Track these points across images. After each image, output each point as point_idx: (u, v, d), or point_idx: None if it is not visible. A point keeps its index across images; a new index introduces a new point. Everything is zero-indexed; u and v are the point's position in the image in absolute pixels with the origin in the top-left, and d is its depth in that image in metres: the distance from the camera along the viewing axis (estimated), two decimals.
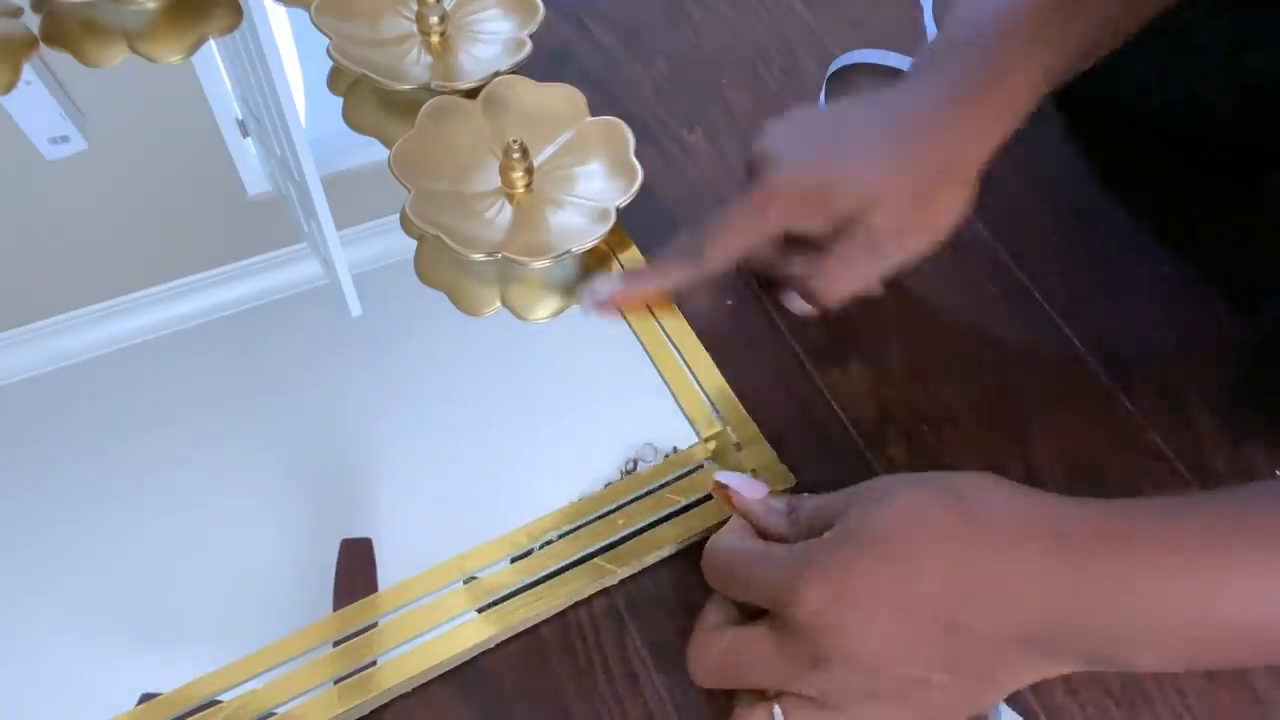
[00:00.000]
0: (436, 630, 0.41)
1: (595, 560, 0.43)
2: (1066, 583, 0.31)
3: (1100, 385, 0.51)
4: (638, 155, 0.51)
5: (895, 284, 0.54)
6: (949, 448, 0.48)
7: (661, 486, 0.45)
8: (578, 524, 0.44)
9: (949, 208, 0.46)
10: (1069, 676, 0.42)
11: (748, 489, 0.41)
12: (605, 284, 0.47)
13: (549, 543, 0.43)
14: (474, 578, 0.42)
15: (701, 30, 0.66)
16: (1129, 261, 0.56)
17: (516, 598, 0.42)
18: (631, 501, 0.45)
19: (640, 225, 0.54)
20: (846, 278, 0.46)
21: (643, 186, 0.50)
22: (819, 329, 0.52)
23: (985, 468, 0.47)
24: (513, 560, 0.42)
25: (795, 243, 0.48)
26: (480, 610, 0.41)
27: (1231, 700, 0.42)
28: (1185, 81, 0.55)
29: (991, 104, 0.45)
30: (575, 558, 0.43)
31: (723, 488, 0.41)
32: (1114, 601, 0.31)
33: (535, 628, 0.42)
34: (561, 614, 0.43)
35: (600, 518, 0.44)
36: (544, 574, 0.42)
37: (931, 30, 0.65)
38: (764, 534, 0.40)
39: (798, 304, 0.51)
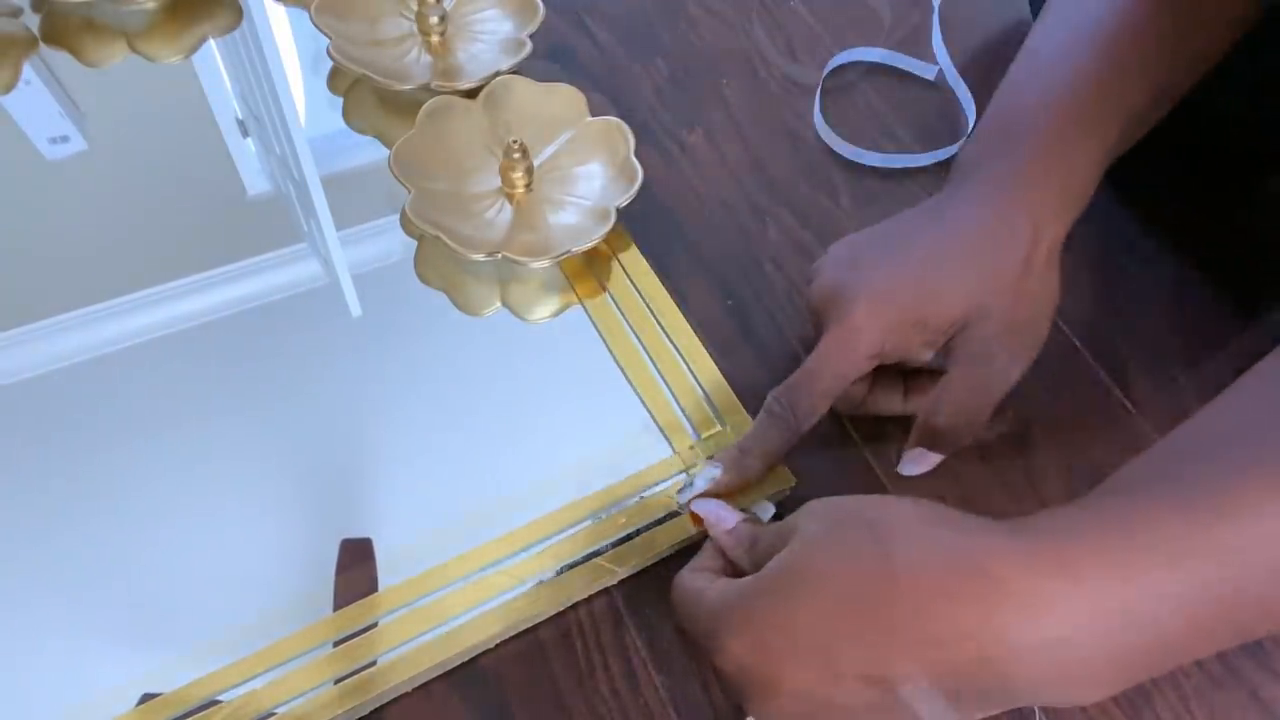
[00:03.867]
0: (436, 630, 0.41)
1: (596, 560, 0.43)
2: (1001, 634, 0.29)
3: (1100, 385, 0.51)
4: (638, 155, 0.51)
5: None
6: None
7: (661, 485, 0.45)
8: (578, 524, 0.44)
9: (1046, 298, 0.43)
10: None
11: (718, 518, 0.40)
12: (699, 499, 0.42)
13: (550, 543, 0.43)
14: (474, 577, 0.42)
15: (701, 30, 0.66)
16: (1129, 261, 0.56)
17: (517, 597, 0.42)
18: (631, 501, 0.45)
19: (641, 225, 0.54)
20: (973, 404, 0.43)
21: (643, 186, 0.50)
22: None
23: (985, 468, 0.47)
24: (513, 560, 0.43)
25: (884, 385, 0.46)
26: (481, 610, 0.41)
27: (1231, 700, 0.42)
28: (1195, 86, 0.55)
29: (1059, 187, 0.43)
30: (576, 558, 0.43)
31: (697, 516, 0.41)
32: (1053, 644, 0.29)
33: (535, 628, 0.42)
34: (561, 614, 0.43)
35: (600, 517, 0.44)
36: (545, 574, 0.42)
37: (938, 37, 0.65)
38: (729, 563, 0.39)
39: (917, 463, 0.46)
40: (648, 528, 0.44)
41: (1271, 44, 0.50)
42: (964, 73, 0.63)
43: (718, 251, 0.55)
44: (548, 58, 0.57)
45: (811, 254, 0.55)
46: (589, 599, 0.43)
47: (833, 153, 0.59)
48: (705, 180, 0.58)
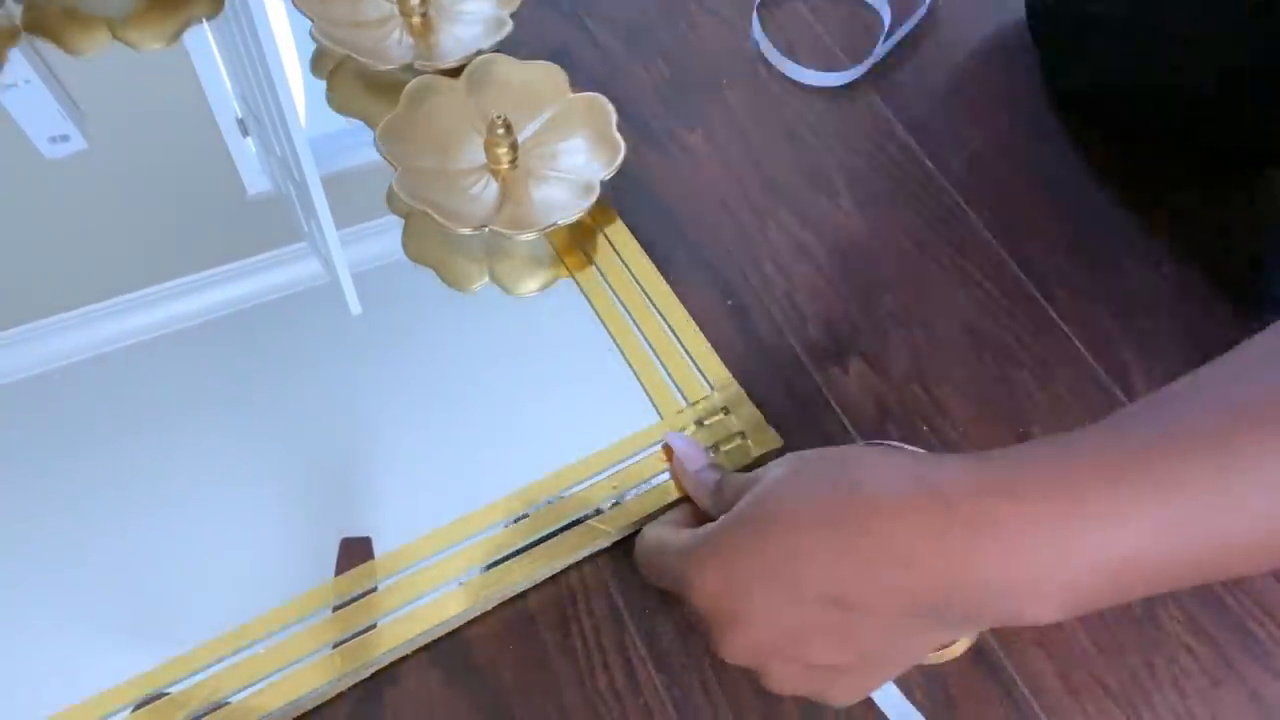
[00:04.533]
0: (430, 595, 0.41)
1: (589, 522, 0.43)
2: (952, 547, 0.30)
3: (1100, 385, 0.51)
4: (638, 155, 0.51)
5: (894, 283, 0.54)
6: (949, 448, 0.48)
7: (650, 450, 0.46)
8: (569, 489, 0.44)
9: None
10: (1068, 675, 0.42)
11: (688, 455, 0.42)
12: (676, 433, 0.45)
13: (541, 507, 0.44)
14: (467, 543, 0.43)
15: (701, 30, 0.66)
16: (1129, 261, 0.56)
17: (512, 560, 0.42)
18: (622, 466, 0.45)
19: (641, 225, 0.54)
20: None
21: (643, 187, 0.50)
22: (819, 329, 0.52)
23: None
24: (505, 526, 0.43)
25: None
26: (474, 574, 0.42)
27: (1231, 700, 0.42)
28: (1184, 80, 0.55)
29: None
30: (568, 521, 0.43)
31: (669, 449, 0.44)
32: (1000, 559, 0.30)
33: (536, 629, 0.42)
34: (562, 614, 0.43)
35: (592, 482, 0.45)
36: (538, 537, 0.43)
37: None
38: (694, 503, 0.41)
39: None
40: (639, 492, 0.45)
41: (1265, 41, 0.51)
42: (966, 74, 0.63)
43: (718, 251, 0.55)
44: (548, 58, 0.58)
45: (811, 254, 0.55)
46: (589, 601, 0.43)
47: (833, 153, 0.59)
48: (705, 180, 0.58)
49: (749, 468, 0.45)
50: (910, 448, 0.34)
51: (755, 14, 0.65)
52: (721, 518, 0.35)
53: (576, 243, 0.53)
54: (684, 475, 0.42)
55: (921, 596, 0.31)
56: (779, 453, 0.46)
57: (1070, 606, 0.30)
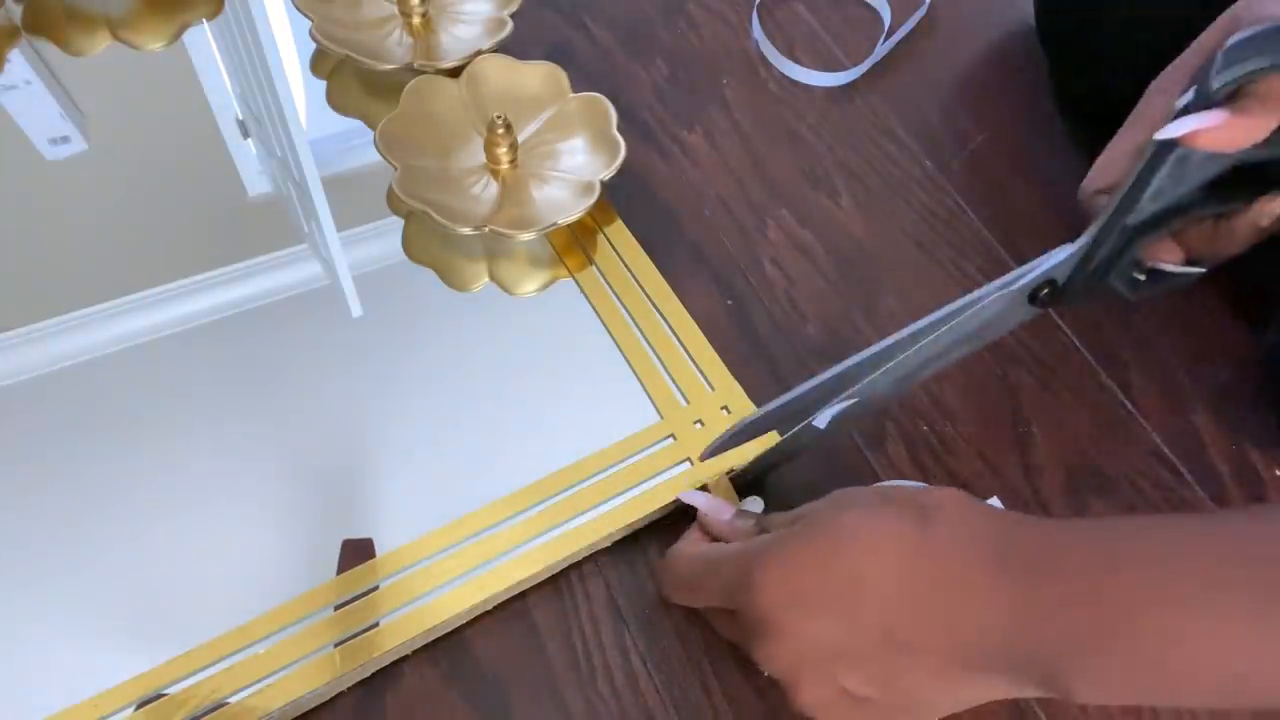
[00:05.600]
0: (430, 596, 0.41)
1: (588, 522, 0.43)
2: (1004, 605, 0.31)
3: (1100, 385, 0.51)
4: (638, 155, 0.51)
5: (894, 283, 0.54)
6: (949, 448, 0.48)
7: (650, 450, 0.46)
8: (570, 489, 0.44)
9: None
10: None
11: (713, 508, 0.42)
12: (691, 492, 0.44)
13: (541, 507, 0.44)
14: (467, 542, 0.43)
15: (701, 30, 0.66)
16: None
17: (510, 559, 0.42)
18: (621, 466, 0.45)
19: (641, 225, 0.54)
20: None
21: (643, 187, 0.50)
22: (819, 328, 0.52)
23: (985, 468, 0.47)
24: (507, 524, 0.43)
25: None
26: (475, 574, 0.42)
27: None
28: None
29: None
30: (568, 521, 0.43)
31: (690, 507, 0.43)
32: (1049, 627, 0.31)
33: (536, 628, 0.42)
34: (562, 614, 0.43)
35: (592, 482, 0.45)
36: (536, 536, 0.43)
37: None
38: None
39: None
40: (637, 490, 0.45)
41: None
42: (966, 75, 0.63)
43: (718, 251, 0.55)
44: (548, 58, 0.58)
45: (812, 254, 0.55)
46: (590, 602, 0.43)
47: (833, 152, 0.60)
48: (705, 180, 0.58)
49: (747, 467, 0.45)
50: (981, 503, 0.35)
51: (755, 14, 0.65)
52: (791, 528, 0.36)
53: (576, 243, 0.53)
54: (715, 526, 0.41)
55: (973, 652, 0.32)
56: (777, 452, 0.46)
57: (1120, 693, 0.31)
